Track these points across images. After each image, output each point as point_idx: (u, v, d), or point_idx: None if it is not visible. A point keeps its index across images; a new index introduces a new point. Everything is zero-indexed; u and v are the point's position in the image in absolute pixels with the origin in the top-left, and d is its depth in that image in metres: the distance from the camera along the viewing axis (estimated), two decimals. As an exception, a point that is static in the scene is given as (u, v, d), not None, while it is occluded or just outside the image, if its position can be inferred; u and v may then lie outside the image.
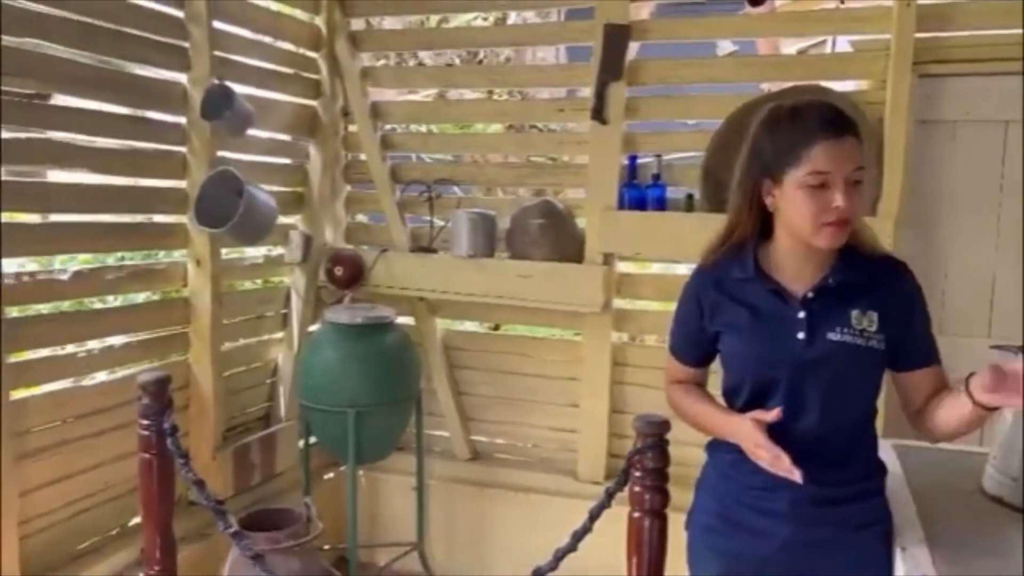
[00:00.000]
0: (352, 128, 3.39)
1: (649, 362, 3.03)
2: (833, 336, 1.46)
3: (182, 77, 2.66)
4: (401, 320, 3.17)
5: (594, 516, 1.77)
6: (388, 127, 3.42)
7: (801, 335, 1.47)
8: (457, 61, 5.37)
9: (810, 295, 1.49)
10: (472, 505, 3.26)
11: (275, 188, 3.06)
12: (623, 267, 3.14)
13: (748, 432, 1.46)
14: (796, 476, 1.39)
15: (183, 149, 2.69)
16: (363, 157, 3.39)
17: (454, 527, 3.29)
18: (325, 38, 3.28)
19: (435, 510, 3.28)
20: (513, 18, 5.21)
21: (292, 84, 3.21)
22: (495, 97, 5.05)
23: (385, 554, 3.20)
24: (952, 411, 1.42)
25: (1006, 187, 2.70)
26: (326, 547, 2.99)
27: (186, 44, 2.64)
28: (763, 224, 1.53)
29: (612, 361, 3.11)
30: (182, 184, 2.71)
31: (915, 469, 1.80)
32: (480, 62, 5.45)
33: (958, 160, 2.74)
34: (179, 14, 2.63)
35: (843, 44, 3.27)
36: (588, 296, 3.00)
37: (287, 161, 3.29)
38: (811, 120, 1.42)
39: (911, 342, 1.50)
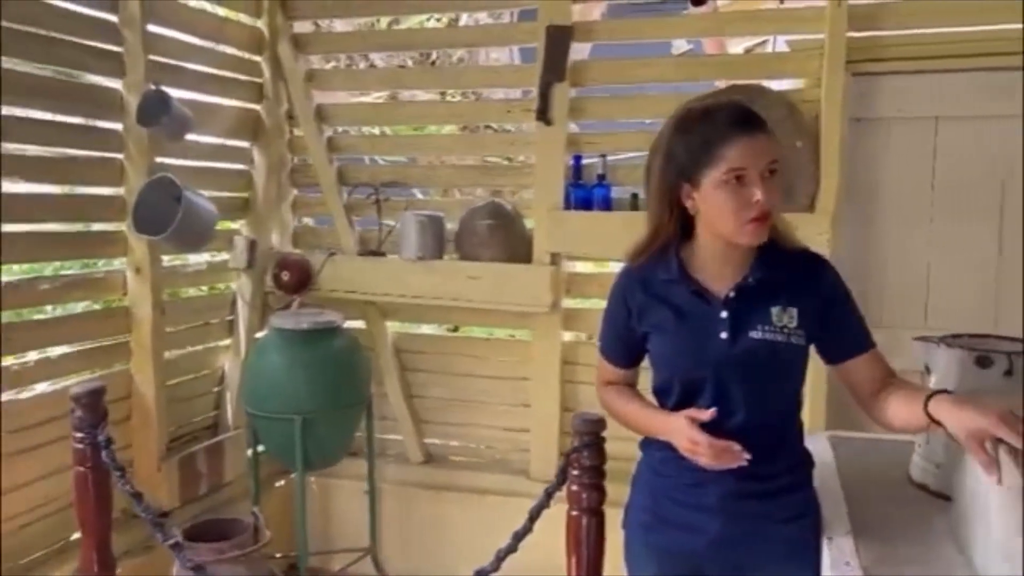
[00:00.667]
0: (298, 131, 3.37)
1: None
2: (755, 334, 1.48)
3: (117, 83, 2.62)
4: (351, 324, 3.16)
5: (533, 516, 1.78)
6: (337, 130, 3.40)
7: (724, 335, 1.50)
8: (410, 63, 5.36)
9: (731, 295, 1.51)
10: (426, 508, 3.26)
11: (219, 193, 3.03)
12: (580, 267, 3.15)
13: (683, 430, 1.47)
14: (743, 456, 1.42)
15: (120, 156, 2.65)
16: (310, 160, 3.37)
17: (408, 531, 3.28)
18: (268, 41, 3.25)
19: (389, 515, 3.26)
20: (465, 19, 5.22)
21: (234, 88, 3.18)
22: (449, 99, 5.06)
23: (338, 560, 3.18)
24: (905, 413, 1.44)
25: (937, 182, 2.76)
26: (277, 555, 2.97)
27: (120, 49, 2.60)
28: (686, 225, 1.55)
29: (562, 360, 3.12)
30: (120, 191, 2.66)
31: (846, 459, 1.84)
32: (433, 63, 5.45)
33: (892, 156, 2.80)
34: (113, 18, 2.58)
35: (783, 44, 3.33)
36: (537, 296, 3.02)
37: (231, 166, 3.25)
38: (722, 120, 1.44)
39: (841, 332, 1.53)
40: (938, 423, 1.33)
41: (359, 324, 3.30)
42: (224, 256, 3.19)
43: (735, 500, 1.53)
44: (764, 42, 3.75)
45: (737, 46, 3.98)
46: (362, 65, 5.09)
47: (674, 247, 1.56)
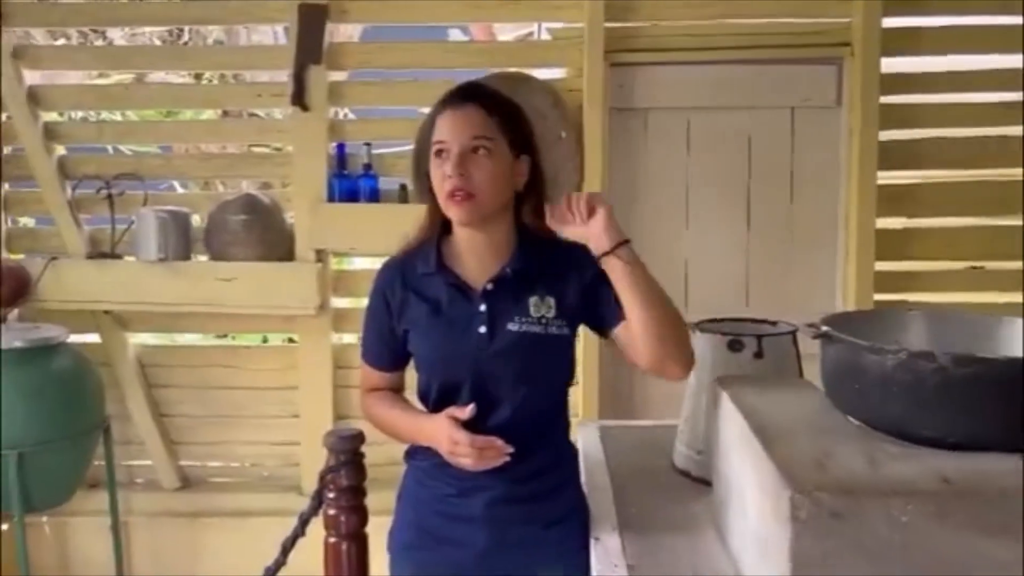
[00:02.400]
0: (5, 116, 2.87)
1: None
2: (513, 327, 1.40)
3: None
4: (82, 339, 2.76)
5: (287, 548, 1.58)
6: (66, 115, 2.93)
7: (482, 329, 1.41)
8: (157, 41, 4.83)
9: (489, 287, 1.43)
10: (184, 538, 2.93)
11: None
12: (359, 263, 2.97)
13: (443, 430, 1.37)
14: (506, 450, 1.35)
15: None
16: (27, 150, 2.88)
17: (163, 566, 2.93)
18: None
19: (140, 550, 2.91)
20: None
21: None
22: (204, 82, 4.62)
23: (80, 609, 2.77)
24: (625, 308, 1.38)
25: (691, 172, 2.87)
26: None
27: None
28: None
29: (334, 365, 2.93)
30: None
31: (614, 449, 1.82)
32: (186, 44, 4.96)
33: (651, 146, 2.87)
34: None
35: (546, 33, 3.34)
36: (302, 297, 2.80)
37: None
38: (443, 96, 1.42)
39: (605, 305, 1.43)
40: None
41: (92, 338, 2.88)
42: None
43: (502, 507, 1.43)
44: (531, 33, 3.77)
45: (507, 34, 3.98)
46: (99, 43, 4.51)
47: (434, 238, 1.46)
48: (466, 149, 1.36)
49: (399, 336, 1.49)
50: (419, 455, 1.50)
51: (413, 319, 1.46)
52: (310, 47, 2.78)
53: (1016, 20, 2.72)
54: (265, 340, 3.47)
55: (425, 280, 1.46)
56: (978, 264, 2.88)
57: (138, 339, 3.03)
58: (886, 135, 2.74)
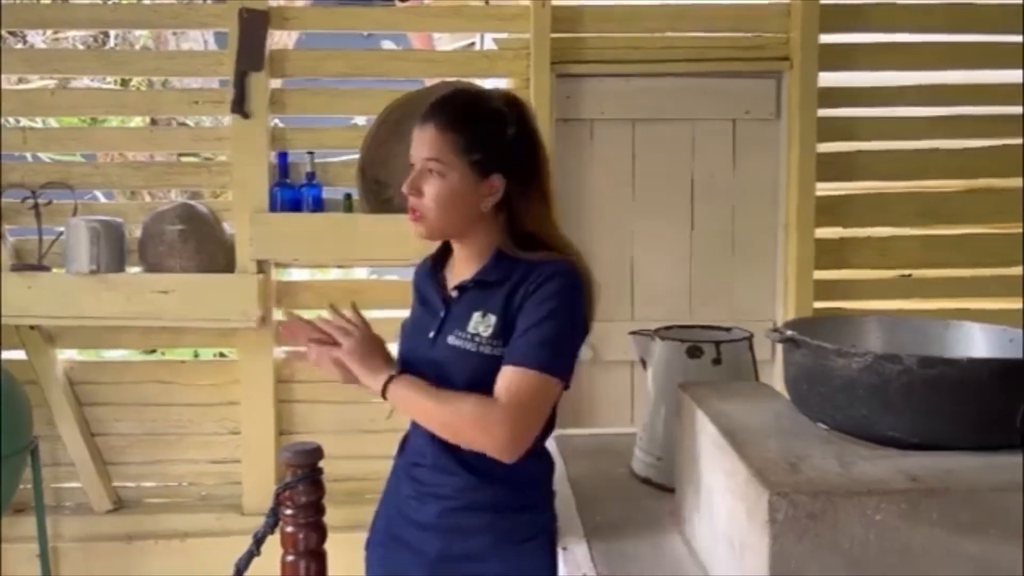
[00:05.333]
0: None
1: (320, 375, 2.77)
2: (451, 339, 1.38)
3: None
4: (6, 355, 2.61)
5: (241, 569, 1.52)
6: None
7: (431, 334, 1.41)
8: (80, 45, 4.65)
9: (454, 294, 1.42)
10: (117, 563, 2.79)
11: None
12: (294, 274, 2.89)
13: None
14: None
15: None
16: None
17: (96, 593, 2.78)
18: None
19: (69, 577, 2.75)
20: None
21: None
22: (133, 87, 4.47)
23: (3, 644, 2.61)
24: None
25: (637, 182, 2.91)
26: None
27: None
28: None
29: (276, 379, 2.85)
30: None
31: (573, 458, 1.82)
32: (115, 48, 4.79)
33: (597, 157, 2.90)
34: None
35: (491, 43, 3.34)
36: (242, 309, 2.70)
37: None
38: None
39: (515, 339, 1.33)
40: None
41: (17, 354, 2.73)
42: None
43: (456, 516, 1.40)
44: (472, 43, 3.77)
45: (446, 45, 3.96)
46: (18, 45, 4.32)
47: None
48: (422, 169, 1.36)
49: None
50: (398, 452, 1.51)
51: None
52: (251, 53, 2.71)
53: (946, 38, 2.86)
54: (196, 355, 3.35)
55: (426, 279, 1.50)
56: (907, 272, 2.99)
57: (66, 355, 2.88)
58: (824, 147, 2.83)
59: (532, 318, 1.31)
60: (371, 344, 1.40)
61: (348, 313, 1.44)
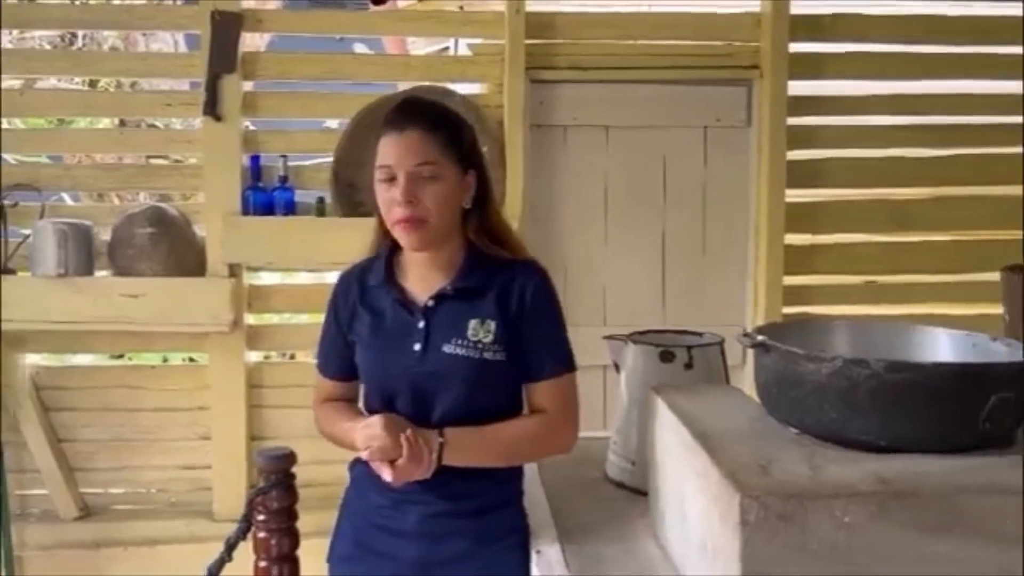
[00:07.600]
0: None
1: (292, 380, 2.83)
2: (448, 349, 1.38)
3: None
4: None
5: (213, 573, 1.51)
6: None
7: (417, 346, 1.39)
8: (47, 46, 4.57)
9: (431, 303, 1.41)
10: (84, 571, 2.74)
11: None
12: (265, 278, 2.87)
13: (358, 428, 1.35)
14: (386, 474, 1.31)
15: None
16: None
17: (63, 603, 2.73)
18: None
19: (35, 587, 2.70)
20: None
21: None
22: (103, 89, 4.40)
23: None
24: None
25: (609, 188, 2.93)
26: None
27: None
28: None
29: (248, 384, 2.82)
30: None
31: (547, 463, 1.81)
32: (83, 48, 4.72)
33: (570, 162, 2.92)
34: None
35: (465, 49, 3.35)
36: (213, 313, 2.68)
37: None
38: (386, 115, 1.39)
39: (526, 354, 1.41)
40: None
41: (-20, 359, 2.69)
42: None
43: (435, 522, 1.41)
44: (446, 48, 3.77)
45: (420, 48, 3.96)
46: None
47: (386, 250, 1.45)
48: (413, 175, 1.33)
49: (350, 347, 1.48)
50: (360, 465, 1.47)
51: (359, 331, 1.45)
52: (223, 56, 2.69)
53: (913, 48, 2.92)
54: (165, 360, 3.32)
55: (374, 292, 1.45)
56: (873, 279, 3.05)
57: (32, 359, 2.83)
58: (793, 155, 2.88)
59: (537, 328, 1.41)
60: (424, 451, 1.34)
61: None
